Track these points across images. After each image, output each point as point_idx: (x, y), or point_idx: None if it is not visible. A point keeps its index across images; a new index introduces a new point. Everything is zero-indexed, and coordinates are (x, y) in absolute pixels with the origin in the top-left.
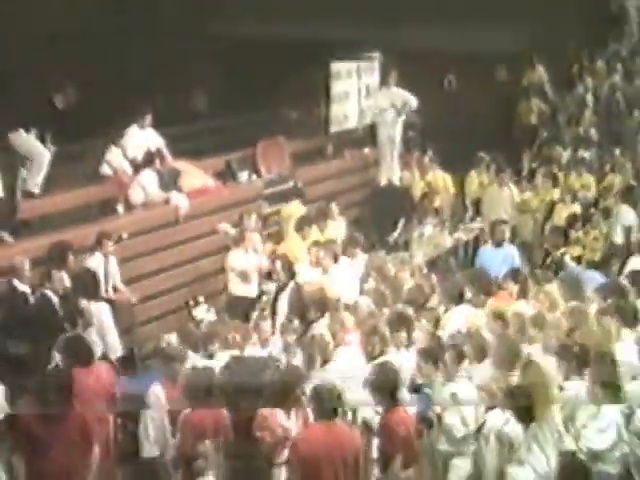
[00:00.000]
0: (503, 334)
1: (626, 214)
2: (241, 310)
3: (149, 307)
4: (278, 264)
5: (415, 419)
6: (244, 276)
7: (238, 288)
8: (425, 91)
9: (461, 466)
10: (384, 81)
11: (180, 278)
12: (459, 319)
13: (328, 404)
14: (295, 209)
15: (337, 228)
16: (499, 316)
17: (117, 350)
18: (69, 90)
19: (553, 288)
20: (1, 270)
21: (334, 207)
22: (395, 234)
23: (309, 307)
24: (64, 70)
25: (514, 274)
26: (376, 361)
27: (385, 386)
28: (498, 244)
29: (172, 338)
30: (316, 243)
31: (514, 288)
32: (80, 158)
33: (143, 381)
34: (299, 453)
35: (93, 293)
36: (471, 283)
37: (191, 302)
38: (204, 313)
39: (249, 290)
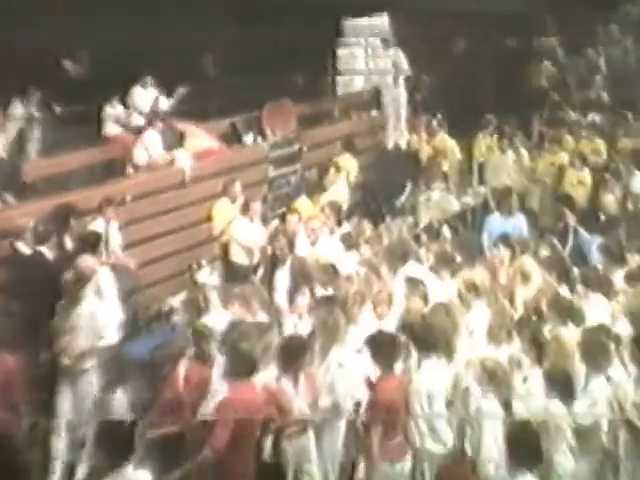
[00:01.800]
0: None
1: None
2: (240, 277)
3: (153, 270)
4: (292, 227)
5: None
6: (248, 249)
7: (239, 256)
8: (433, 53)
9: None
10: (387, 42)
11: (183, 241)
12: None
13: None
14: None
15: (340, 192)
16: (471, 287)
17: (117, 314)
18: (78, 54)
19: (529, 261)
20: (5, 232)
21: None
22: (402, 198)
23: (314, 280)
24: (70, 33)
25: (505, 240)
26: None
27: (382, 352)
28: (506, 213)
29: (175, 301)
30: (331, 205)
31: (506, 254)
32: (85, 120)
33: (145, 344)
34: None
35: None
36: (460, 250)
37: (194, 266)
38: (207, 277)
39: (250, 258)
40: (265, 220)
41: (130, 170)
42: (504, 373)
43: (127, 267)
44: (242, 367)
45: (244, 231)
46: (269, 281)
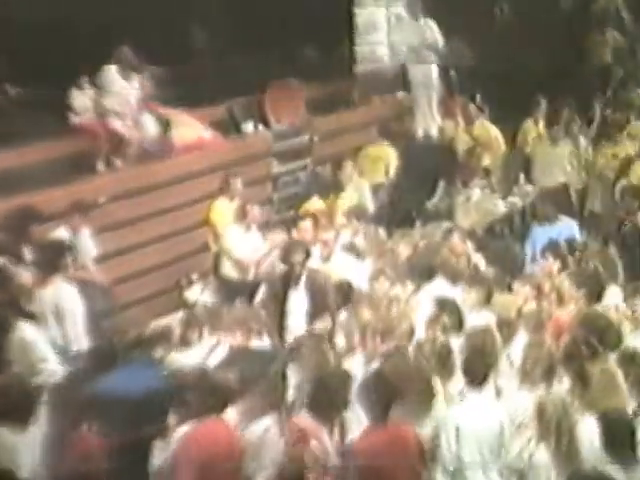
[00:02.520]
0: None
1: None
2: (235, 296)
3: (132, 287)
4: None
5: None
6: (241, 263)
7: (230, 271)
8: (472, 22)
9: None
10: (414, 9)
11: (169, 252)
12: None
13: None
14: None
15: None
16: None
17: (81, 341)
18: (40, 23)
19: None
20: None
21: (347, 166)
22: (435, 199)
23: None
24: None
25: (553, 248)
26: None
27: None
28: (552, 217)
29: (161, 324)
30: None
31: (554, 265)
32: (48, 105)
33: (122, 376)
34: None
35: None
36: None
37: (183, 281)
38: (198, 294)
39: (243, 274)
40: (268, 226)
41: (102, 166)
42: (562, 415)
43: (100, 284)
44: (212, 400)
45: (237, 242)
46: (281, 302)
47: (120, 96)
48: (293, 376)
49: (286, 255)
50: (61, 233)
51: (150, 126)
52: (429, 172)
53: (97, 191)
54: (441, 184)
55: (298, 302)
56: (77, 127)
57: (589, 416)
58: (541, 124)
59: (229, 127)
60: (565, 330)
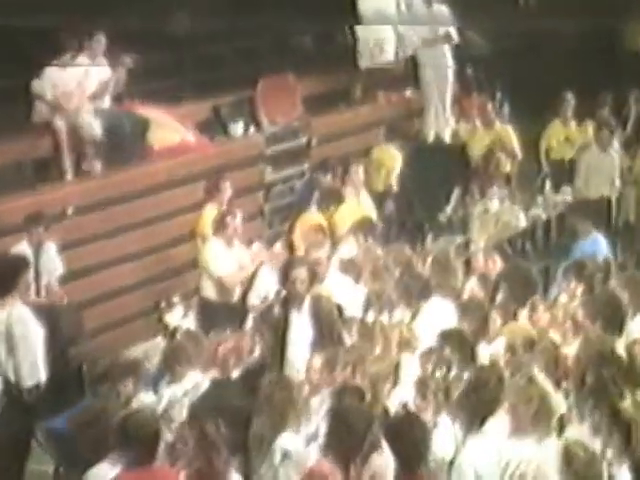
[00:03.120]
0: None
1: None
2: (219, 320)
3: (104, 310)
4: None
5: None
6: (221, 283)
7: (210, 292)
8: (492, 10)
9: None
10: None
11: (148, 270)
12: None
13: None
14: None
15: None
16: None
17: (37, 373)
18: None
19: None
20: None
21: (358, 172)
22: (448, 210)
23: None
24: None
25: (578, 268)
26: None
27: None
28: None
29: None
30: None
31: (578, 288)
32: (6, 99)
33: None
34: None
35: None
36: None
37: (163, 303)
38: (179, 319)
39: (224, 296)
40: (253, 242)
41: (70, 172)
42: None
43: (67, 306)
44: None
45: (217, 257)
46: (281, 330)
47: (69, 90)
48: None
49: (286, 274)
50: (21, 248)
51: (96, 127)
52: (442, 180)
53: (64, 200)
54: (455, 193)
55: (301, 331)
56: (42, 126)
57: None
58: (572, 125)
59: (215, 128)
60: (572, 369)
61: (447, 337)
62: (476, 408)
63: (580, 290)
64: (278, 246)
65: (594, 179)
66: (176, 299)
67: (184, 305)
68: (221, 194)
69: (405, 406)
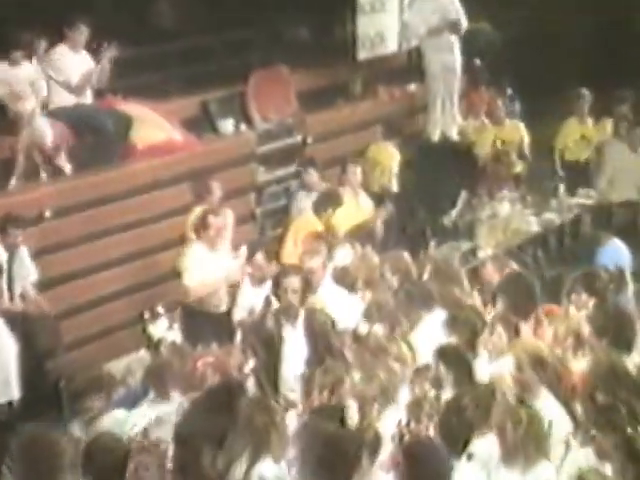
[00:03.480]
0: None
1: None
2: (206, 333)
3: (84, 321)
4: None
5: None
6: (198, 291)
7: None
8: None
9: None
10: None
11: (131, 278)
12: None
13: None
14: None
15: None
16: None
17: (9, 390)
18: None
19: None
20: None
21: (356, 172)
22: (453, 214)
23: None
24: None
25: (588, 279)
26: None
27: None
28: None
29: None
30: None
31: (588, 301)
32: None
33: None
34: None
35: None
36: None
37: (146, 314)
38: (164, 330)
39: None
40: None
41: (46, 172)
42: None
43: (43, 316)
44: None
45: (192, 266)
46: (274, 346)
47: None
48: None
49: (279, 284)
50: None
51: (48, 134)
52: (447, 181)
53: (40, 202)
54: (462, 196)
55: (294, 346)
56: (14, 119)
57: None
58: (589, 122)
59: (204, 125)
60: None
61: (441, 354)
62: (459, 430)
63: (592, 303)
64: (259, 257)
65: (621, 181)
66: (161, 309)
67: (169, 316)
68: (211, 196)
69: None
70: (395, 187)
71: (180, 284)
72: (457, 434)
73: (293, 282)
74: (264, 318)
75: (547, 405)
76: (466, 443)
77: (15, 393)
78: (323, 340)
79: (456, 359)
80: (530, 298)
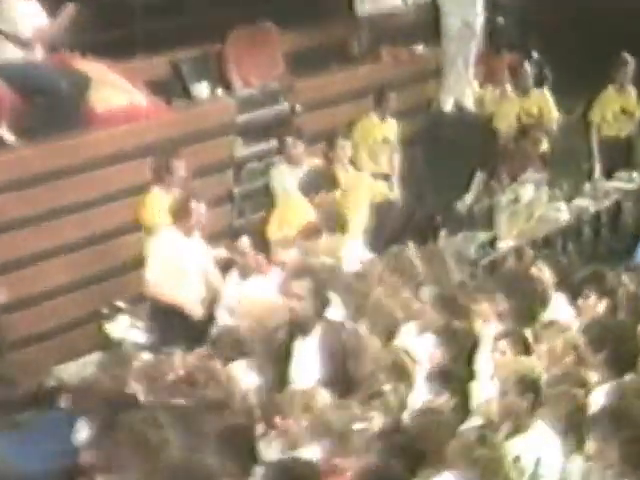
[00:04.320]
0: None
1: None
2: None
3: (31, 317)
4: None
5: None
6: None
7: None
8: None
9: None
10: None
11: (86, 267)
12: None
13: None
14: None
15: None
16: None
17: None
18: None
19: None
20: None
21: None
22: (468, 198)
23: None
24: None
25: (598, 279)
26: None
27: None
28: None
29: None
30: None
31: (599, 303)
32: None
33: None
34: None
35: None
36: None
37: (104, 310)
38: (125, 329)
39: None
40: (225, 234)
41: None
42: None
43: None
44: None
45: (168, 250)
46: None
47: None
48: None
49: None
50: None
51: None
52: (461, 160)
53: None
54: (478, 177)
55: (307, 363)
56: None
57: None
58: (631, 93)
59: (174, 89)
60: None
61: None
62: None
63: (603, 307)
64: (245, 241)
65: None
66: (122, 305)
67: (132, 312)
68: (171, 176)
69: None
70: (397, 167)
71: (134, 275)
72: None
73: (302, 284)
74: (276, 329)
75: (538, 440)
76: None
77: None
78: (341, 359)
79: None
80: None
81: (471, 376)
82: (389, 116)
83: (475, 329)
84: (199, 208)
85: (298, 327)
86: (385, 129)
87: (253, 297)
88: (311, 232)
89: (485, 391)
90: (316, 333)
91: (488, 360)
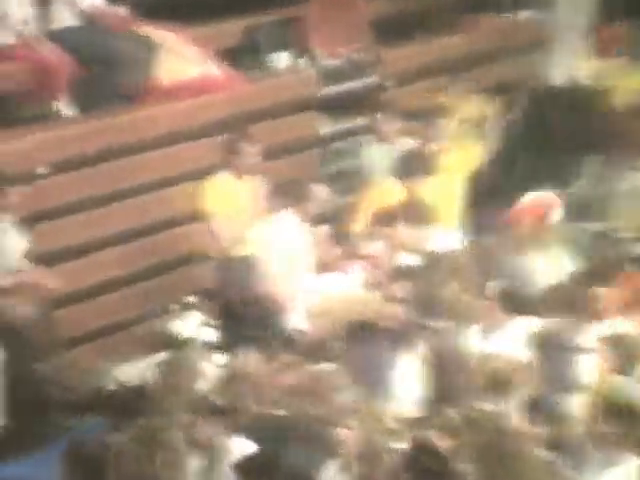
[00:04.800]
0: None
1: None
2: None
3: (87, 312)
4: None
5: None
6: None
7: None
8: None
9: None
10: None
11: (148, 258)
12: None
13: None
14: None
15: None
16: None
17: None
18: None
19: None
20: None
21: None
22: (580, 186)
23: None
24: None
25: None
26: None
27: None
28: None
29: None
30: None
31: None
32: None
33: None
34: None
35: None
36: None
37: (172, 306)
38: (196, 327)
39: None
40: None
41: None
42: None
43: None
44: None
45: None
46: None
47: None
48: None
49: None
50: None
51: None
52: (570, 142)
53: (28, 156)
54: (590, 162)
55: (410, 379)
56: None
57: None
58: None
59: (249, 59)
60: None
61: None
62: None
63: None
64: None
65: None
66: (191, 300)
67: (201, 309)
68: (239, 158)
69: None
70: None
71: (203, 268)
72: None
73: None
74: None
75: None
76: None
77: None
78: (449, 375)
79: None
80: None
81: None
82: (487, 92)
83: None
84: (251, 150)
85: (401, 336)
86: (480, 107)
87: (333, 294)
88: (386, 218)
89: None
90: (421, 343)
91: None
